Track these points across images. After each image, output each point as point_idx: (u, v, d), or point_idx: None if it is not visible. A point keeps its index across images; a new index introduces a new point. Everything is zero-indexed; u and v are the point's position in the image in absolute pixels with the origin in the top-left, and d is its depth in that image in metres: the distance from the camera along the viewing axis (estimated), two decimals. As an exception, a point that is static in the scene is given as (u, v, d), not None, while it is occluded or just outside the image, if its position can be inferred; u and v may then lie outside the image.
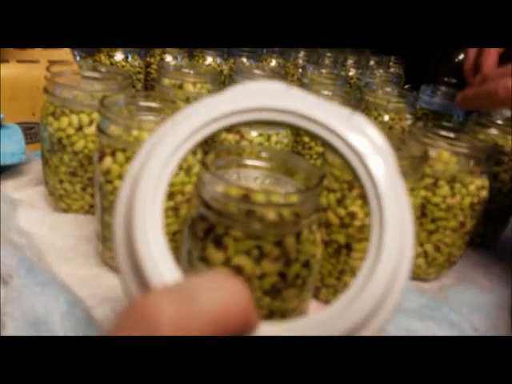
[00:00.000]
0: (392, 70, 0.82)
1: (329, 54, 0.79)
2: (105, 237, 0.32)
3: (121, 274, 0.15)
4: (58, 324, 0.25)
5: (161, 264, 0.14)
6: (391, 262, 0.14)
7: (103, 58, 0.68)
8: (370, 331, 0.14)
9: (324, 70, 0.68)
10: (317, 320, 0.14)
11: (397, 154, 0.31)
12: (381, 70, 0.78)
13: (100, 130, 0.29)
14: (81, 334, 0.25)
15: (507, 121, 0.48)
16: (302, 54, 0.80)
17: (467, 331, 0.32)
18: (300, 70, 0.75)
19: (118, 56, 0.69)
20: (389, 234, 0.14)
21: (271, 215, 0.22)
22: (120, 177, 0.29)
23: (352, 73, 0.80)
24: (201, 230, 0.22)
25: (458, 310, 0.33)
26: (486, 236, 0.44)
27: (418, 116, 0.61)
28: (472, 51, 0.48)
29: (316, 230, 0.23)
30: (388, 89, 0.60)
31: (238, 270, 0.21)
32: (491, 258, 0.42)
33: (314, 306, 0.31)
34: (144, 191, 0.15)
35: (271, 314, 0.23)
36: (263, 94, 0.17)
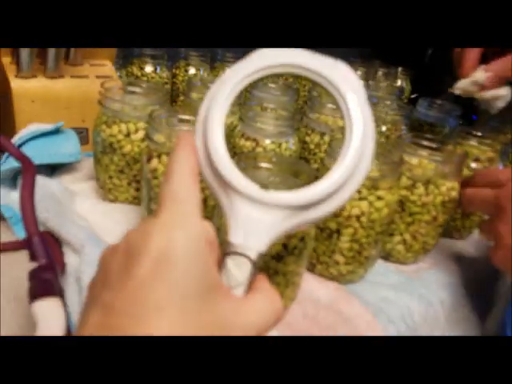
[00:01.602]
0: (399, 81, 0.89)
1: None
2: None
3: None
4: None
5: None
6: (358, 148, 0.23)
7: (135, 69, 0.77)
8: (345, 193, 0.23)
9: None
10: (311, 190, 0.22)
11: (380, 159, 0.39)
12: (386, 84, 0.85)
13: (148, 138, 0.37)
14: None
15: (490, 132, 0.55)
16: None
17: (434, 303, 0.39)
18: (311, 84, 0.83)
19: (148, 68, 0.77)
20: (355, 137, 0.23)
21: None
22: (164, 174, 0.37)
23: (360, 84, 0.86)
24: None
25: (429, 286, 0.41)
26: (462, 230, 0.51)
27: (415, 127, 0.69)
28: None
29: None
30: (388, 102, 0.67)
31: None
32: (464, 249, 0.49)
33: (310, 277, 0.40)
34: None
35: (275, 273, 0.31)
36: (275, 53, 0.25)
